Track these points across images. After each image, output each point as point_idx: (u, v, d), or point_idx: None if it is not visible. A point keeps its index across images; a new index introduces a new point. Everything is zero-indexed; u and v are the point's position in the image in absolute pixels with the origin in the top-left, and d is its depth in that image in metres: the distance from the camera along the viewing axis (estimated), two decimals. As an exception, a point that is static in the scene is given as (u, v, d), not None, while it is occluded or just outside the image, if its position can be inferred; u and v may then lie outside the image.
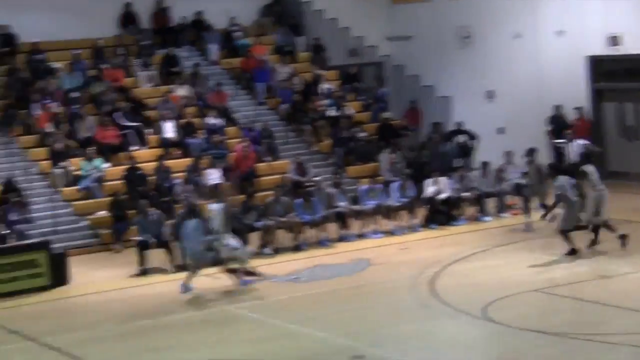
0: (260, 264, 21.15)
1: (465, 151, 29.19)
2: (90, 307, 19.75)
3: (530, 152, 24.94)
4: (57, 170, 25.83)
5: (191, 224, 20.08)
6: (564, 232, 20.87)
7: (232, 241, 19.90)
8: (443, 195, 25.26)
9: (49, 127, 26.79)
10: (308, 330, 17.00)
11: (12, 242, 22.06)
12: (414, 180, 25.99)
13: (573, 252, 20.72)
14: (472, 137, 29.36)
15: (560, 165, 25.49)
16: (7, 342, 17.49)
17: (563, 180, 21.02)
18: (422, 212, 25.30)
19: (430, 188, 25.41)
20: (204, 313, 18.61)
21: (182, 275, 21.41)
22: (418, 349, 15.79)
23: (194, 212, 20.66)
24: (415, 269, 20.55)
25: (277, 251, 22.97)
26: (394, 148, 27.97)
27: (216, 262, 19.93)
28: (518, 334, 16.06)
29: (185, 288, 19.76)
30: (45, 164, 26.24)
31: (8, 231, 22.44)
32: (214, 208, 20.11)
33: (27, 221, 24.13)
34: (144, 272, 21.74)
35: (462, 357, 15.50)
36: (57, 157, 26.08)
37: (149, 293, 20.42)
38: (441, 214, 25.20)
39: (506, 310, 17.37)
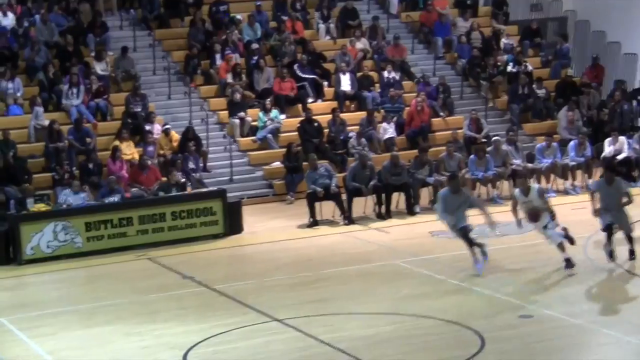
0: (429, 219, 21.03)
1: (649, 110, 28.32)
2: (262, 256, 20.13)
3: None
4: (235, 121, 26.30)
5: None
6: None
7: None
8: (622, 155, 24.58)
9: (228, 78, 27.29)
10: (475, 288, 16.90)
11: (190, 190, 22.56)
12: (592, 140, 25.42)
13: None
14: (657, 95, 28.45)
15: None
16: (181, 287, 17.96)
17: None
18: (599, 172, 24.69)
19: (608, 148, 24.76)
20: (371, 267, 18.69)
21: (352, 228, 21.54)
22: (589, 310, 15.51)
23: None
24: (589, 230, 20.03)
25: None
26: (573, 106, 27.29)
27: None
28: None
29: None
30: (224, 114, 26.74)
31: (185, 179, 22.95)
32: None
33: (205, 170, 24.77)
34: (314, 224, 22.00)
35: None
36: (235, 107, 26.52)
37: (318, 244, 20.65)
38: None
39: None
